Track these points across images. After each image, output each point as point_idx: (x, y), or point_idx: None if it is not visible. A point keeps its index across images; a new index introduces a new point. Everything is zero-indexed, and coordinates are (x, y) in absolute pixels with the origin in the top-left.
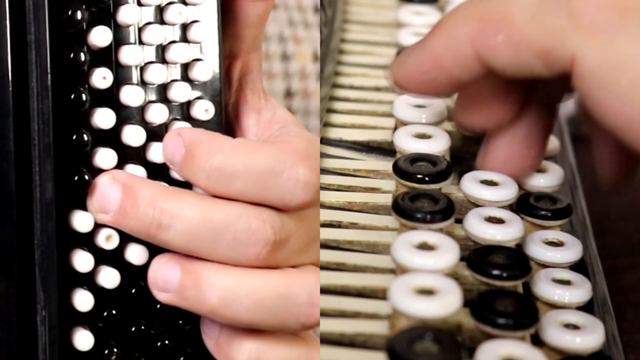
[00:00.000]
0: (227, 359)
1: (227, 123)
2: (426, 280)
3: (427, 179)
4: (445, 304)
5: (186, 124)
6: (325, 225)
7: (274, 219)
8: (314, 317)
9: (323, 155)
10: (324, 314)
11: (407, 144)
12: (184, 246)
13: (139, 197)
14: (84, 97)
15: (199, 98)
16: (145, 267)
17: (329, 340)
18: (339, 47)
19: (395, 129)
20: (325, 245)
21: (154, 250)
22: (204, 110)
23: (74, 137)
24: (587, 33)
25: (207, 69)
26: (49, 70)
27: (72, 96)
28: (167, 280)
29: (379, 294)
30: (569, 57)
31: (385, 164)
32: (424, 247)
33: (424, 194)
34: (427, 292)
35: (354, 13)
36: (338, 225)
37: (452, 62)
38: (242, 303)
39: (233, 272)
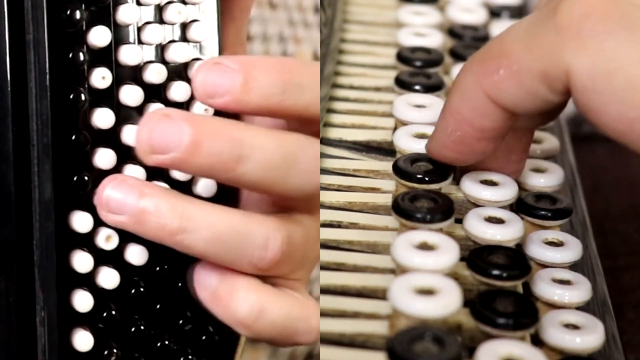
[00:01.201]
0: (225, 311)
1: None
2: (426, 280)
3: (427, 179)
4: (445, 304)
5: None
6: (325, 225)
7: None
8: (267, 260)
9: (323, 155)
10: (324, 314)
11: (407, 144)
12: (258, 179)
13: (212, 130)
14: (83, 97)
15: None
16: (145, 268)
17: (329, 340)
18: (338, 47)
19: (395, 129)
20: (325, 245)
21: (154, 250)
22: (204, 109)
23: (73, 137)
24: (575, 44)
25: None
26: (47, 70)
27: (71, 96)
28: (122, 204)
29: (379, 294)
30: (564, 71)
31: (385, 164)
32: (424, 247)
33: (424, 194)
34: (427, 292)
35: (354, 13)
36: (338, 225)
37: (470, 112)
38: (200, 233)
39: (194, 201)
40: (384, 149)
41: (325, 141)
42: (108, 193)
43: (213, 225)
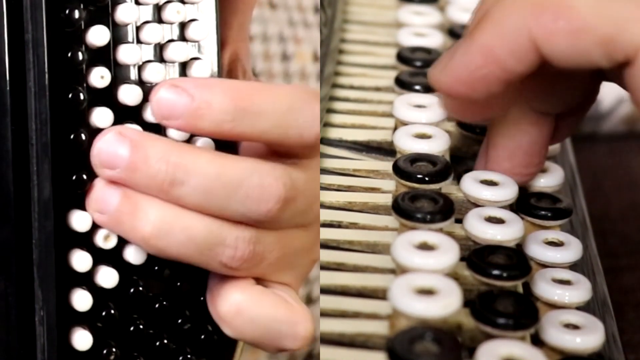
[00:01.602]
0: (211, 309)
1: None
2: (426, 280)
3: (427, 179)
4: (446, 304)
5: None
6: (325, 225)
7: (285, 176)
8: (236, 260)
9: (323, 155)
10: (324, 314)
11: (407, 144)
12: (197, 202)
13: (150, 152)
14: (81, 96)
15: None
16: (144, 267)
17: (329, 340)
18: (339, 47)
19: (395, 129)
20: (325, 245)
21: None
22: None
23: (72, 136)
24: None
25: (206, 68)
26: (46, 70)
27: (70, 95)
28: (105, 202)
29: (379, 294)
30: (635, 46)
31: (385, 164)
32: (424, 247)
33: (424, 194)
34: (427, 292)
35: (354, 13)
36: (338, 225)
37: (506, 52)
38: (174, 237)
39: (171, 206)
40: (384, 149)
41: (325, 141)
42: (98, 188)
43: (188, 228)
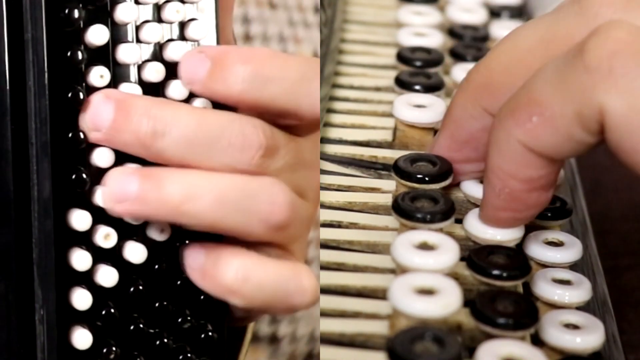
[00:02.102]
0: (214, 283)
1: None
2: (426, 280)
3: (427, 179)
4: (446, 303)
5: None
6: (325, 225)
7: (264, 126)
8: (277, 215)
9: (323, 155)
10: (324, 314)
11: None
12: (179, 154)
13: (132, 109)
14: (81, 95)
15: (197, 96)
16: (144, 266)
17: (329, 340)
18: (339, 47)
19: (395, 129)
20: (325, 245)
21: (153, 248)
22: (202, 108)
23: (71, 135)
24: (607, 84)
25: None
26: (46, 69)
27: (70, 95)
28: (124, 190)
29: (379, 294)
30: (598, 111)
31: (385, 164)
32: (424, 247)
33: (424, 194)
34: (427, 292)
35: (354, 13)
36: (338, 225)
37: (511, 166)
38: (204, 199)
39: (192, 171)
40: (384, 149)
41: (325, 141)
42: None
43: (216, 188)
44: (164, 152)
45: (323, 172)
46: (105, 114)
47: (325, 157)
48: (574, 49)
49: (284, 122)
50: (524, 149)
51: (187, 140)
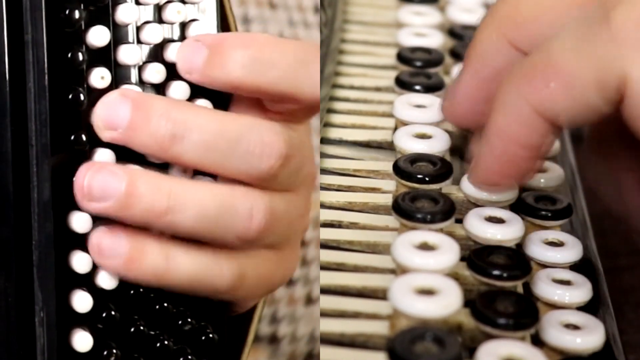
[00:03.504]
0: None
1: None
2: (426, 280)
3: (427, 179)
4: (446, 304)
5: None
6: (326, 225)
7: (285, 132)
8: (252, 230)
9: (323, 155)
10: (324, 314)
11: (408, 144)
12: (197, 158)
13: (152, 109)
14: (82, 97)
15: (198, 97)
16: None
17: (329, 340)
18: (339, 47)
19: (395, 129)
20: (326, 245)
21: None
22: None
23: (72, 137)
24: (634, 52)
25: None
26: (46, 70)
27: (70, 96)
28: (106, 189)
29: (379, 294)
30: (622, 79)
31: (385, 164)
32: (424, 247)
33: (424, 194)
34: (427, 292)
35: (354, 13)
36: (338, 225)
37: (518, 130)
38: (188, 212)
39: (178, 180)
40: (384, 149)
41: (325, 141)
42: (89, 181)
43: (200, 201)
44: (182, 156)
45: (323, 171)
46: (122, 113)
47: (328, 142)
48: (597, 15)
49: (283, 107)
50: (535, 114)
51: (206, 145)
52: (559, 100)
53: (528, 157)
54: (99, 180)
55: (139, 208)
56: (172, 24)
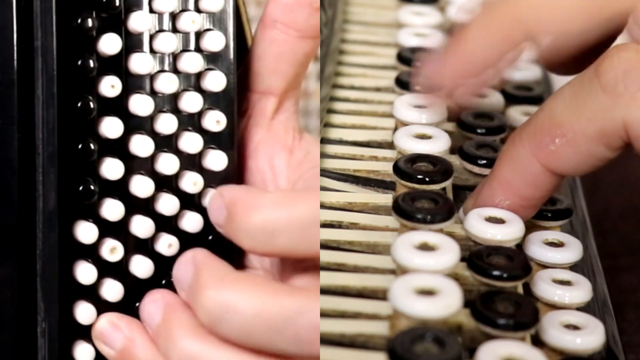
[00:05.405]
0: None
1: (238, 137)
2: (426, 280)
3: (427, 179)
4: (446, 304)
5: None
6: (326, 225)
7: None
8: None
9: (323, 155)
10: (324, 314)
11: (408, 144)
12: (239, 340)
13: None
14: (91, 105)
15: (210, 109)
16: (150, 281)
17: (329, 340)
18: (339, 47)
19: (395, 129)
20: (326, 246)
21: (159, 263)
22: (216, 121)
23: (80, 146)
24: (626, 100)
25: (220, 80)
26: (55, 78)
27: (79, 104)
28: (150, 317)
29: (380, 295)
30: (621, 127)
31: (385, 164)
32: (424, 247)
33: (424, 195)
34: (427, 292)
35: (354, 13)
36: (338, 225)
37: (523, 184)
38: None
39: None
40: (384, 149)
41: (325, 141)
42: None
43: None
44: (227, 337)
45: (324, 170)
46: (185, 277)
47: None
48: (588, 73)
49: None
50: (543, 169)
51: (245, 330)
52: (565, 156)
53: (528, 206)
54: None
55: None
56: (186, 33)
